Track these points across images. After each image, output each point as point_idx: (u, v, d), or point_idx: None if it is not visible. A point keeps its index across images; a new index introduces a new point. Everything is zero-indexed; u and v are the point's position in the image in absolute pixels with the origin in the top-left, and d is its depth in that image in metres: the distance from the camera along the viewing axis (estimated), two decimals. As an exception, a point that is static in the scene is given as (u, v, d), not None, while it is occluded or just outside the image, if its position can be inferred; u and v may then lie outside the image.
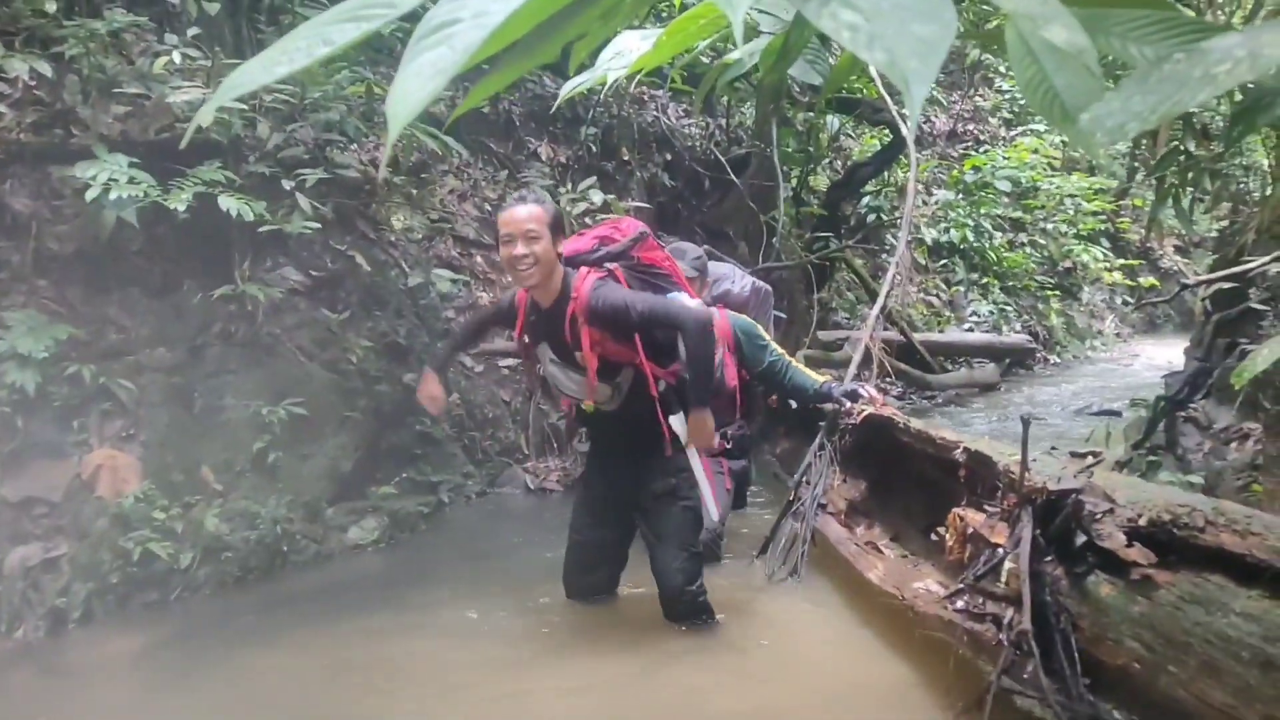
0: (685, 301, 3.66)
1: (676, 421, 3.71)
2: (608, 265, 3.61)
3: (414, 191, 6.59)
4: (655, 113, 10.12)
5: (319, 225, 5.10)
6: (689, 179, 9.82)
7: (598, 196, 6.45)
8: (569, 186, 7.23)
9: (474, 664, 3.52)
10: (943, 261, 12.99)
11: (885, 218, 11.10)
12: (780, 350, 4.80)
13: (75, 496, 4.07)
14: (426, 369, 4.02)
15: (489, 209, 8.05)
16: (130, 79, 4.59)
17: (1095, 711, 2.32)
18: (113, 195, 4.23)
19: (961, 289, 12.97)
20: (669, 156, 10.02)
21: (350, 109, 5.36)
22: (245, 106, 4.72)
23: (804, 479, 4.59)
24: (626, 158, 9.52)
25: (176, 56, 4.59)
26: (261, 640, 3.73)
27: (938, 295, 12.88)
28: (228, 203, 4.48)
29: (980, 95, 16.61)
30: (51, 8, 4.43)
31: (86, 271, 4.64)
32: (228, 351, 4.91)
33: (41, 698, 3.33)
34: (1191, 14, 1.21)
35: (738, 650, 3.64)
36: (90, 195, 4.23)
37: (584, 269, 3.56)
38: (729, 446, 4.78)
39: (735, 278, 5.27)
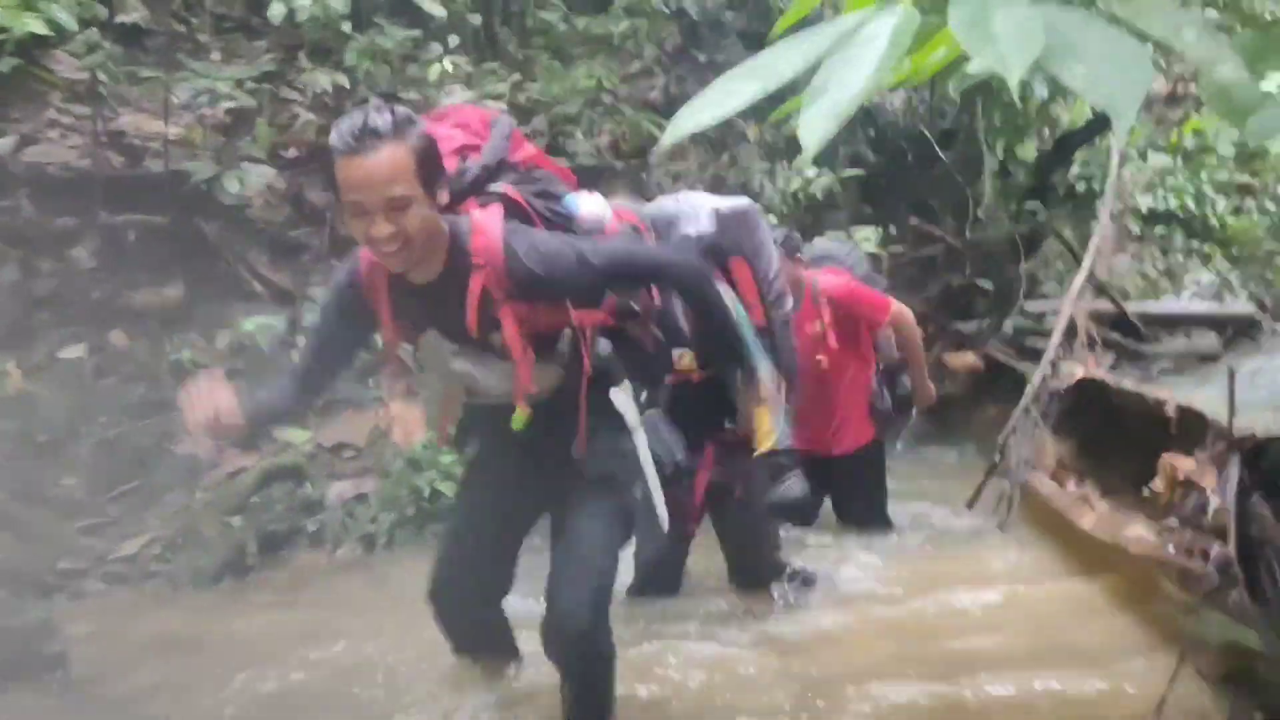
0: (633, 236, 2.56)
1: (620, 396, 2.65)
2: (494, 189, 2.42)
3: (643, 176, 7.14)
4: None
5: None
6: (893, 153, 9.99)
7: (812, 171, 6.72)
8: (785, 166, 7.52)
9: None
10: (1159, 229, 12.56)
11: (1097, 187, 10.89)
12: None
13: (376, 442, 4.83)
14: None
15: (700, 189, 8.54)
16: (405, 86, 5.32)
17: (1297, 629, 2.57)
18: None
19: (1179, 257, 12.51)
20: (872, 132, 10.21)
21: (587, 102, 5.93)
22: (504, 107, 5.37)
23: (1008, 440, 4.85)
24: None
25: (448, 64, 5.28)
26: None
27: (1154, 264, 12.47)
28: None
29: (1203, 53, 15.76)
30: (347, 27, 5.19)
31: (372, 253, 5.42)
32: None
33: (363, 600, 4.07)
34: None
35: (956, 601, 3.85)
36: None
37: (469, 210, 2.37)
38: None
39: (690, 211, 3.50)
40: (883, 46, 1.14)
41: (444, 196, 2.26)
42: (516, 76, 5.61)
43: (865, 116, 10.12)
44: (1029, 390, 4.92)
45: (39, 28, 3.56)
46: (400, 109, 2.21)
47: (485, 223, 2.32)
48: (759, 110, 1.40)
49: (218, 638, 3.62)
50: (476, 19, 5.59)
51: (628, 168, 7.63)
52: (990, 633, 3.53)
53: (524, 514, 2.84)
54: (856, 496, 4.70)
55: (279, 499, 4.38)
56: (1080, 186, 10.82)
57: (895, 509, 4.99)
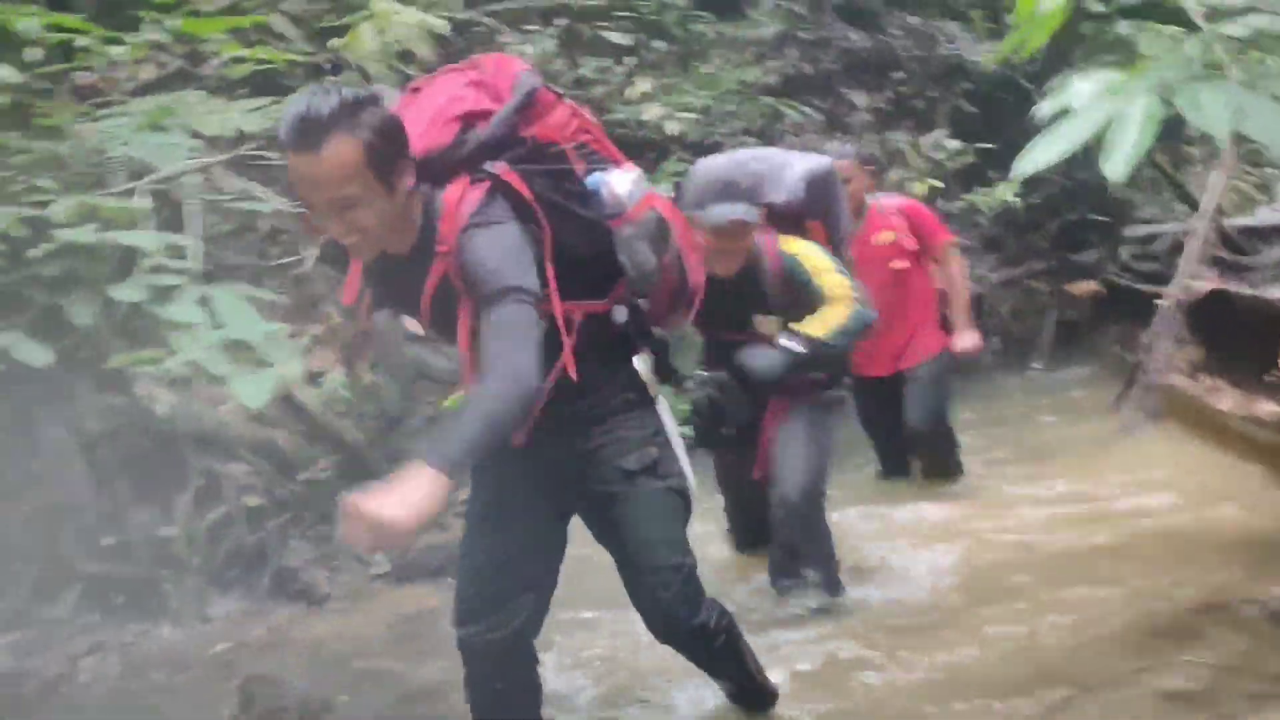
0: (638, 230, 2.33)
1: (640, 363, 2.45)
2: (489, 168, 2.16)
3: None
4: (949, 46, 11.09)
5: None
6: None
7: (952, 143, 7.61)
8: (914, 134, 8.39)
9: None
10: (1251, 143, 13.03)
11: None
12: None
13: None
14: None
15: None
16: (613, 103, 6.36)
17: None
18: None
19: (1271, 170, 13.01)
20: (969, 85, 10.97)
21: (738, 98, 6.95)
22: (695, 116, 6.41)
23: (1151, 344, 5.75)
24: (933, 94, 10.59)
25: (649, 85, 6.33)
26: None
27: (1245, 178, 12.99)
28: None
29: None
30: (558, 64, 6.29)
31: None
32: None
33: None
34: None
35: (1105, 479, 4.87)
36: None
37: (454, 187, 2.15)
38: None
39: (775, 176, 3.56)
40: (1139, 127, 2.18)
41: (408, 181, 2.08)
42: (695, 89, 6.65)
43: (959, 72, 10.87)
44: (1164, 303, 5.76)
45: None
46: (349, 91, 2.00)
47: (460, 200, 2.12)
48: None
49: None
50: (658, 44, 6.64)
51: (758, 144, 8.60)
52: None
53: (547, 522, 2.51)
54: (924, 404, 4.75)
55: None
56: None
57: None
